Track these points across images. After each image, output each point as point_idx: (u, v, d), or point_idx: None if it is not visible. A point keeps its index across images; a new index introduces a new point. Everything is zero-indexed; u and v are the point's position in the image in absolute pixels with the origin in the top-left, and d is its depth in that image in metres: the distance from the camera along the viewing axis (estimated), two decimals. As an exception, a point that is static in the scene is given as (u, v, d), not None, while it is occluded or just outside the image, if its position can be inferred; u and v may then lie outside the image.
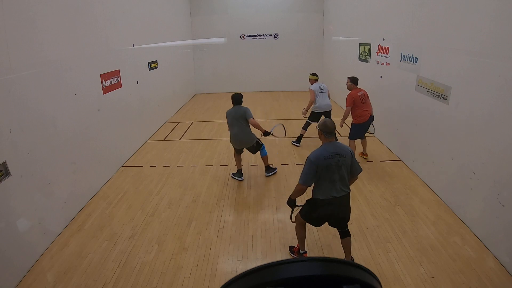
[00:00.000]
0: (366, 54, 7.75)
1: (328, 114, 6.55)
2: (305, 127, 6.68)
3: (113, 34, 5.82)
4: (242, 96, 5.17)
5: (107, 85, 5.50)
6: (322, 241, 3.87)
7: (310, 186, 3.12)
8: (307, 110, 6.63)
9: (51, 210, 3.97)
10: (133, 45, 6.73)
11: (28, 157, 3.56)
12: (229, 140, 5.23)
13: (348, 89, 5.76)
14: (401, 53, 5.85)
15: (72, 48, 4.50)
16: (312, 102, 6.48)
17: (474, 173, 3.88)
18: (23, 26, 3.56)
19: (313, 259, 0.59)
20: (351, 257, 3.50)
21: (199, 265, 3.52)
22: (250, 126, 5.08)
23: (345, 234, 3.36)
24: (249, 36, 12.29)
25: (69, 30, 4.45)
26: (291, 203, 3.34)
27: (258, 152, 5.35)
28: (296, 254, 3.66)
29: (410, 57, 5.54)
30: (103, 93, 5.37)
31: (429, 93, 4.89)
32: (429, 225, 4.09)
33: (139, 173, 5.78)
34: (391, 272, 3.35)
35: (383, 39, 6.73)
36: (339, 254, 3.65)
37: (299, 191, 3.16)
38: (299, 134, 6.78)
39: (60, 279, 3.34)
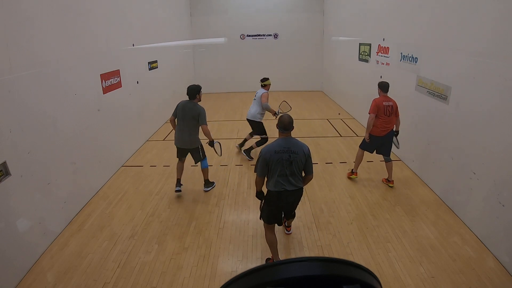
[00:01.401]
0: (366, 54, 7.75)
1: (250, 123, 6.22)
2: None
3: (113, 34, 5.82)
4: (198, 88, 4.61)
5: (107, 85, 5.50)
6: (322, 241, 3.88)
7: (263, 176, 3.26)
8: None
9: (51, 210, 3.97)
10: (133, 45, 6.72)
11: (28, 157, 3.56)
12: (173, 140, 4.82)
13: (378, 94, 5.01)
14: (401, 53, 5.85)
15: (72, 48, 4.50)
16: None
17: (474, 173, 3.88)
18: (23, 26, 3.56)
19: (313, 259, 0.59)
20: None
21: (199, 265, 3.52)
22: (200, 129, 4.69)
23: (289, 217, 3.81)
24: (249, 36, 12.29)
25: (69, 30, 4.45)
26: (258, 195, 3.44)
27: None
28: None
29: (410, 57, 5.54)
30: (103, 93, 5.36)
31: (429, 93, 4.89)
32: (429, 225, 4.09)
33: (139, 173, 5.77)
34: (391, 272, 3.35)
35: (383, 39, 6.73)
36: (339, 254, 3.66)
37: (257, 182, 3.34)
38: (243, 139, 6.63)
39: (60, 279, 3.34)
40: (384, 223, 4.16)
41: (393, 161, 5.11)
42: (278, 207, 3.35)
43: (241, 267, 3.53)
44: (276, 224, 3.47)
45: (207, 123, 4.64)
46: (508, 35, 3.37)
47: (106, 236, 4.02)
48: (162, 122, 8.65)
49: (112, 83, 5.70)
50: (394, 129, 4.93)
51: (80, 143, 4.62)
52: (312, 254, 3.72)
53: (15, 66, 3.42)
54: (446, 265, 3.40)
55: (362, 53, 8.07)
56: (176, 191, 4.86)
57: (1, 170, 3.20)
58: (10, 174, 3.29)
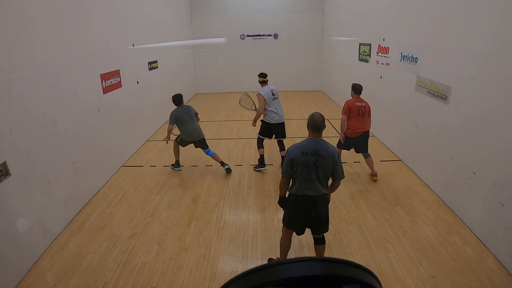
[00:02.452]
0: (366, 54, 7.75)
1: (279, 128, 5.49)
2: (260, 146, 5.64)
3: (113, 34, 5.82)
4: (182, 95, 5.65)
5: (107, 85, 5.50)
6: (322, 241, 3.87)
7: (289, 179, 3.04)
8: (255, 122, 5.62)
9: (51, 210, 3.97)
10: (133, 45, 6.73)
11: (28, 157, 3.56)
12: (181, 137, 5.62)
13: (351, 96, 5.12)
14: (401, 53, 5.85)
15: (72, 48, 4.50)
16: (261, 112, 5.39)
17: (474, 173, 3.88)
18: (23, 26, 3.56)
19: (313, 259, 0.59)
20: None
21: (199, 265, 3.52)
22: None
23: (319, 241, 3.28)
24: (249, 36, 12.29)
25: (69, 30, 4.45)
26: (281, 201, 3.22)
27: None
28: None
29: (410, 57, 5.54)
30: (103, 93, 5.37)
31: (429, 93, 4.89)
32: (429, 225, 4.09)
33: (139, 173, 5.78)
34: (391, 272, 3.35)
35: (383, 39, 6.73)
36: (339, 254, 3.66)
37: (281, 185, 3.12)
38: (259, 156, 5.68)
39: (60, 279, 3.34)
40: (384, 223, 4.16)
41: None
42: (299, 214, 3.09)
43: (241, 267, 3.53)
44: (295, 233, 3.23)
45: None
46: (508, 35, 3.37)
47: (106, 236, 4.02)
48: (162, 122, 8.64)
49: (112, 83, 5.70)
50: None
51: (80, 143, 4.62)
52: (312, 254, 3.72)
53: (15, 66, 3.42)
54: (446, 265, 3.40)
55: (362, 53, 8.07)
56: (179, 170, 5.84)
57: (1, 170, 3.20)
58: (10, 174, 3.29)
